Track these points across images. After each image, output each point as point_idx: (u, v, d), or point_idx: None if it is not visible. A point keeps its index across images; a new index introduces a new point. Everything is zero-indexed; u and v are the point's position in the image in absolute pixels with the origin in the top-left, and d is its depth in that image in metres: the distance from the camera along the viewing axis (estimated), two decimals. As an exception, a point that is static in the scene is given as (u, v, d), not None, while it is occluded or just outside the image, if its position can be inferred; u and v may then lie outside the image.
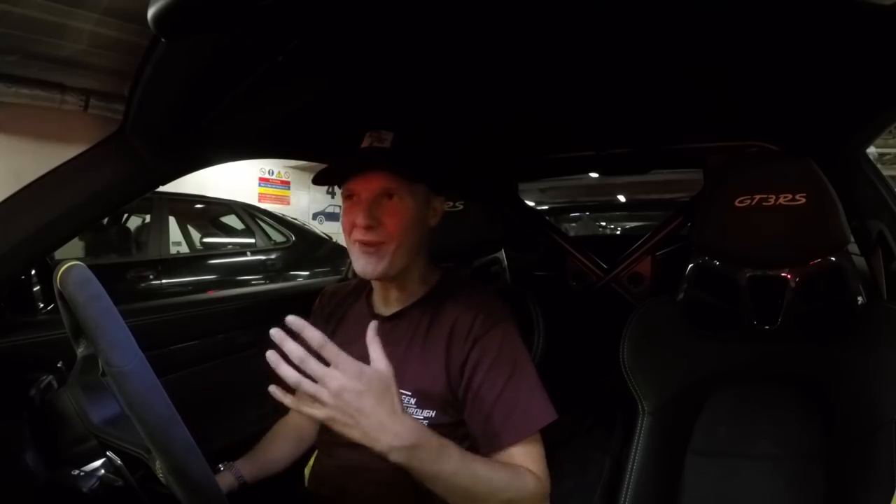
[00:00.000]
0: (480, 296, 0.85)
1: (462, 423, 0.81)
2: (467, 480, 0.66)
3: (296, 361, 0.57)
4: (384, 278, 0.82)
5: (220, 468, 0.88)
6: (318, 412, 0.60)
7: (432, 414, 0.79)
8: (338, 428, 0.60)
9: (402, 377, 0.79)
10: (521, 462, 0.74)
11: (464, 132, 1.31)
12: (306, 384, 0.58)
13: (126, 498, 0.67)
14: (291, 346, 0.57)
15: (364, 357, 0.84)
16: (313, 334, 0.59)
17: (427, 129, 0.85)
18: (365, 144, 0.81)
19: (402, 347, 0.83)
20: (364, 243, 0.79)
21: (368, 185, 0.79)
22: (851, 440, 0.79)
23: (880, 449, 0.75)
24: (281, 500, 0.98)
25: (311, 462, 0.96)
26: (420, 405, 0.79)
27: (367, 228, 0.78)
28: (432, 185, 0.84)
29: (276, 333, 0.58)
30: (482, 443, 0.77)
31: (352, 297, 0.96)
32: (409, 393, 0.80)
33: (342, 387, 0.59)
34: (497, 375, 0.77)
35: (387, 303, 0.88)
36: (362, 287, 0.95)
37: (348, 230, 0.81)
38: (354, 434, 0.60)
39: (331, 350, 0.59)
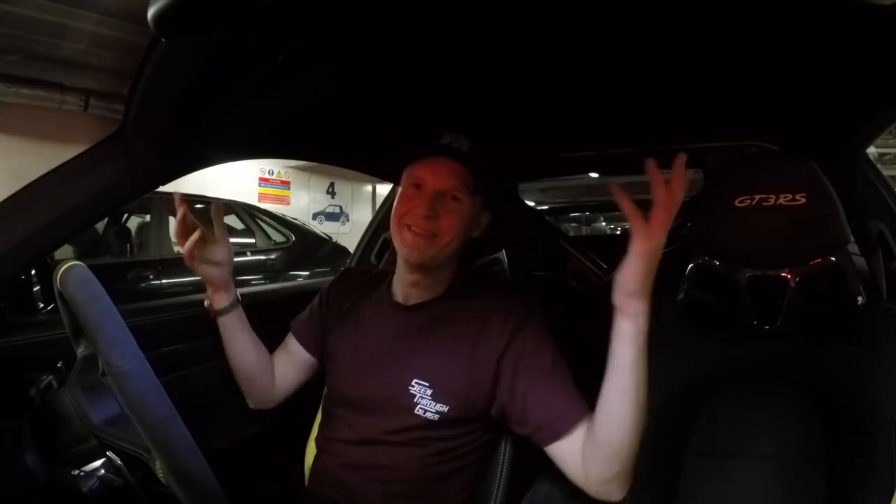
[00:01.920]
0: (507, 293, 0.88)
1: (472, 421, 0.82)
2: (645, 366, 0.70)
3: None
4: (425, 266, 0.85)
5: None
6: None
7: (445, 409, 0.80)
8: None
9: (420, 368, 0.83)
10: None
11: (467, 132, 1.31)
12: None
13: (126, 498, 0.67)
14: None
15: (380, 343, 0.87)
16: None
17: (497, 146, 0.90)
18: (444, 142, 0.85)
19: (422, 338, 0.85)
20: (417, 228, 0.81)
21: (438, 179, 0.82)
22: (851, 440, 0.79)
23: (880, 449, 0.74)
24: (281, 499, 0.98)
25: (311, 461, 0.97)
26: (435, 398, 0.81)
27: (426, 218, 0.81)
28: (487, 200, 0.88)
29: None
30: (543, 430, 0.76)
31: (370, 284, 0.97)
32: (427, 384, 0.81)
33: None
34: (542, 368, 0.78)
35: (408, 295, 0.89)
36: (383, 276, 0.97)
37: (402, 214, 0.83)
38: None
39: None
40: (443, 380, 0.81)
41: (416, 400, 0.81)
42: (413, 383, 0.82)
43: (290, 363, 0.98)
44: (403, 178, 0.88)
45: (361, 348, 0.90)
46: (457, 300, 0.87)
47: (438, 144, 0.85)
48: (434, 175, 0.82)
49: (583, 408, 0.75)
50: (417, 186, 0.83)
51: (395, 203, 0.87)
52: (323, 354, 0.97)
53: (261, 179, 8.07)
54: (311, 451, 0.99)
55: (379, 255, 1.50)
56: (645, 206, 0.65)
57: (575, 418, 0.74)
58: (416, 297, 0.89)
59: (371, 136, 1.22)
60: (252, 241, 4.31)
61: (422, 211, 0.80)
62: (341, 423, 0.88)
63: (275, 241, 4.40)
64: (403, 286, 0.90)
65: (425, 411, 0.80)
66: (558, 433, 0.75)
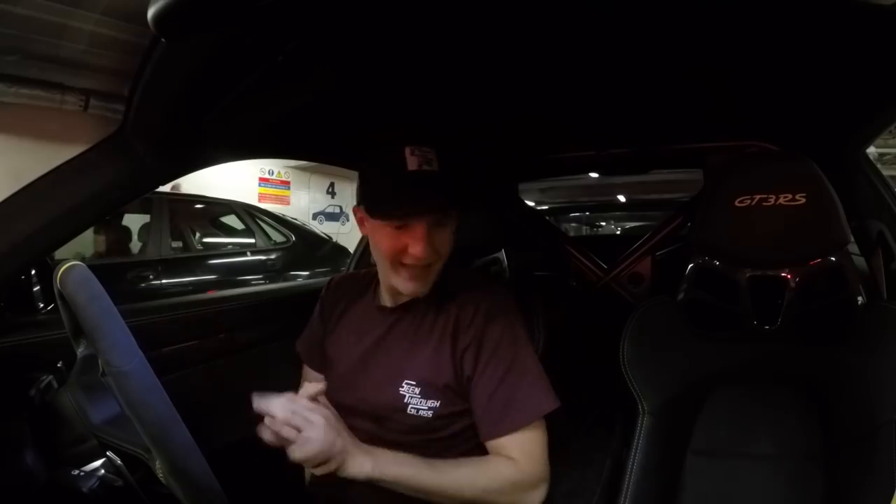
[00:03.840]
0: (484, 288, 0.88)
1: (467, 412, 0.83)
2: (429, 479, 0.73)
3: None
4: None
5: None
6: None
7: (437, 404, 0.81)
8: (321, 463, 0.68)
9: (407, 368, 0.83)
10: (511, 451, 0.78)
11: (467, 132, 1.31)
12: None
13: (126, 498, 0.67)
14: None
15: (369, 346, 0.88)
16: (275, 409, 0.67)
17: (461, 140, 0.83)
18: (412, 166, 0.74)
19: (408, 339, 0.86)
20: (416, 268, 0.78)
21: (424, 217, 0.76)
22: (851, 440, 0.79)
23: (880, 449, 0.74)
24: (281, 500, 0.98)
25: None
26: (424, 395, 0.81)
27: (425, 257, 0.76)
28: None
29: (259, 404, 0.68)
30: (482, 430, 0.80)
31: (358, 288, 0.97)
32: (414, 383, 0.82)
33: (322, 424, 0.67)
34: (497, 365, 0.79)
35: (395, 297, 0.88)
36: (369, 278, 0.97)
37: (395, 252, 0.78)
38: (332, 466, 0.68)
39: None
40: (428, 378, 0.82)
41: (406, 400, 0.81)
42: (403, 384, 0.82)
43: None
44: (368, 210, 0.79)
45: (352, 353, 0.90)
46: (440, 297, 0.87)
47: (409, 186, 0.74)
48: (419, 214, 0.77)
49: (522, 417, 0.78)
50: (401, 227, 0.76)
51: (373, 236, 0.81)
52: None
53: (261, 179, 8.06)
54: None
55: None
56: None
57: (507, 428, 0.78)
58: (403, 297, 0.87)
59: (371, 136, 1.21)
60: (252, 241, 4.31)
61: (421, 251, 0.75)
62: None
63: (275, 241, 4.39)
64: (390, 291, 0.88)
65: (418, 410, 0.81)
66: (490, 437, 0.79)
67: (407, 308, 0.88)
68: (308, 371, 1.01)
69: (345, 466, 0.69)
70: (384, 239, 0.79)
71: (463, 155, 0.86)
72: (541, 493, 0.79)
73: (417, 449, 0.81)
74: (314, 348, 0.99)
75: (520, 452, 0.78)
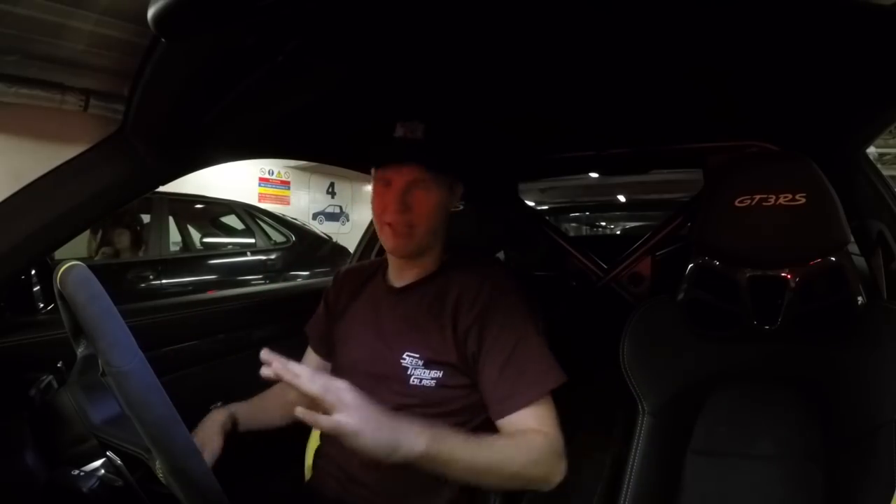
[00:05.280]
0: (487, 268, 0.91)
1: (471, 387, 0.84)
2: (478, 454, 0.72)
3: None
4: (411, 256, 0.90)
5: (211, 408, 0.90)
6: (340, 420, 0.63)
7: (440, 374, 0.84)
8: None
9: (411, 342, 0.87)
10: (530, 424, 0.78)
11: (467, 131, 1.31)
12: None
13: (126, 498, 0.67)
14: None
15: (372, 321, 0.93)
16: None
17: (456, 119, 0.88)
18: (398, 134, 0.87)
19: (411, 317, 0.89)
20: (396, 224, 0.85)
21: (401, 175, 0.85)
22: (851, 440, 0.79)
23: (880, 449, 0.75)
24: (281, 498, 0.98)
25: (311, 459, 0.97)
26: (427, 366, 0.84)
27: (400, 213, 0.84)
28: (457, 174, 0.91)
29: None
30: (493, 407, 0.81)
31: (367, 274, 1.01)
32: (418, 356, 0.85)
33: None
34: (505, 341, 0.81)
35: (401, 277, 0.94)
36: (378, 265, 1.02)
37: (380, 212, 0.87)
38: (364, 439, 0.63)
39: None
40: (430, 351, 0.84)
41: (409, 371, 0.84)
42: (404, 356, 0.85)
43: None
44: (373, 174, 0.91)
45: (357, 336, 0.93)
46: (445, 277, 0.90)
47: (392, 145, 0.87)
48: (398, 171, 0.85)
49: (534, 390, 0.79)
50: (387, 184, 0.87)
51: (371, 199, 0.91)
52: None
53: (261, 179, 8.05)
54: (312, 445, 0.99)
55: (379, 255, 1.51)
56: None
57: (521, 401, 0.79)
58: (409, 277, 0.93)
59: (371, 136, 1.22)
60: (252, 241, 4.31)
61: (395, 206, 0.84)
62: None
63: (275, 241, 4.39)
64: (395, 270, 0.95)
65: (421, 380, 0.83)
66: (504, 412, 0.79)
67: (412, 288, 0.92)
68: (310, 353, 1.04)
69: (398, 445, 0.64)
70: (374, 196, 0.89)
71: (455, 129, 0.91)
72: (565, 463, 0.78)
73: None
74: (321, 335, 1.02)
75: (541, 424, 0.78)
